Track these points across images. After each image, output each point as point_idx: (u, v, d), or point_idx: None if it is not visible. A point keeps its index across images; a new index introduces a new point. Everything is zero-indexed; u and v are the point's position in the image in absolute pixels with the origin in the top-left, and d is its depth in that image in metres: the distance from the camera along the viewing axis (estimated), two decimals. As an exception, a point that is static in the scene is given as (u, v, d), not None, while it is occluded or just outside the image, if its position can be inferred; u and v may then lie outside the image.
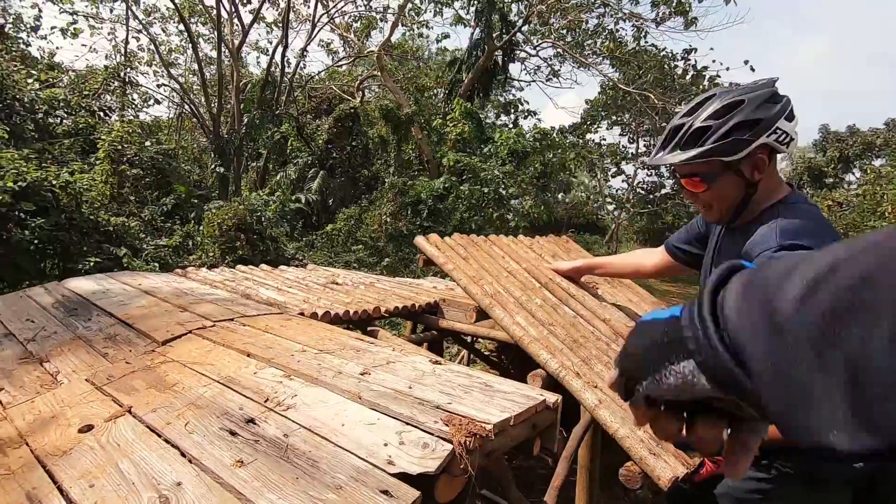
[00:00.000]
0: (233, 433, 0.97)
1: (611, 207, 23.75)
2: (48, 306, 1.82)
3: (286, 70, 13.98)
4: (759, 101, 1.09)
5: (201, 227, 7.81)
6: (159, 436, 0.99)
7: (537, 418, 1.13)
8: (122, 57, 13.36)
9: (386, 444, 0.91)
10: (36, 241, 5.01)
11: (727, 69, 12.85)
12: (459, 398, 1.09)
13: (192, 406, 1.08)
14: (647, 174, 21.40)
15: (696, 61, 13.27)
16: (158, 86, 15.99)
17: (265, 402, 1.08)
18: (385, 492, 0.79)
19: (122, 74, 11.36)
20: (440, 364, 1.35)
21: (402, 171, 12.86)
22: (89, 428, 1.03)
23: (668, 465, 1.08)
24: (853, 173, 24.38)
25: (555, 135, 16.85)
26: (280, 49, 13.28)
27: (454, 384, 1.19)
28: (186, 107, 15.15)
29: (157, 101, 15.66)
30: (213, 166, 11.99)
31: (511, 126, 17.43)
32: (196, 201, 10.10)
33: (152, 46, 14.19)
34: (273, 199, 10.01)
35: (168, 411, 1.07)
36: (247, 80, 14.84)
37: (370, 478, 0.83)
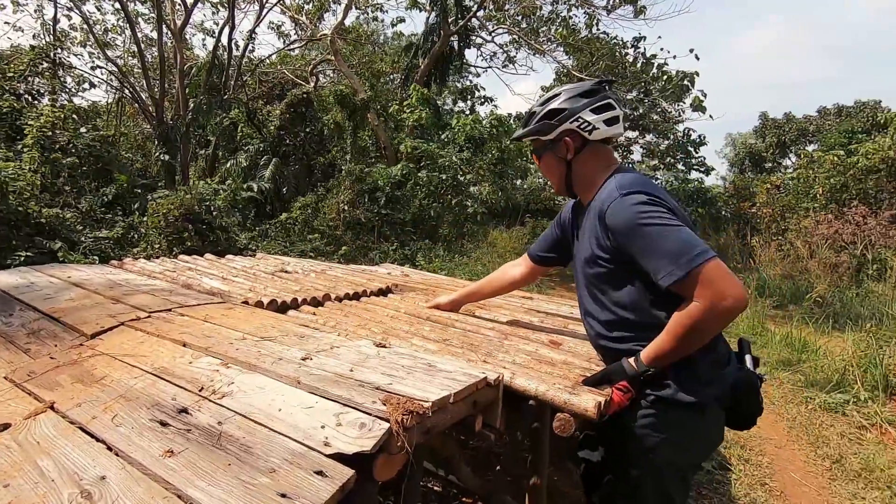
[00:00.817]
0: (164, 424, 0.94)
1: (567, 193, 24.25)
2: (-37, 303, 1.69)
3: (234, 53, 13.38)
4: (570, 95, 1.35)
5: (146, 218, 7.44)
6: (84, 431, 0.95)
7: (478, 395, 1.15)
8: (52, 36, 12.40)
9: (323, 427, 0.91)
10: (-44, 236, 4.64)
11: (674, 57, 13.34)
12: (401, 379, 1.10)
13: (121, 399, 1.04)
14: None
15: (645, 49, 13.66)
16: (93, 68, 14.97)
17: (200, 391, 1.05)
18: (319, 472, 0.79)
19: (51, 55, 10.55)
20: (385, 347, 1.35)
21: (358, 159, 12.64)
22: (5, 427, 0.97)
23: (589, 398, 1.17)
24: (789, 158, 25.87)
25: (511, 121, 17.01)
26: (227, 31, 12.68)
27: (398, 366, 1.20)
28: (126, 91, 14.27)
29: (93, 85, 14.67)
30: (157, 154, 11.40)
31: (468, 112, 17.43)
32: (140, 191, 9.59)
33: (85, 25, 13.23)
34: (223, 187, 9.64)
35: (94, 405, 1.02)
36: (192, 64, 14.11)
37: (305, 460, 0.83)
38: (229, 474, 0.80)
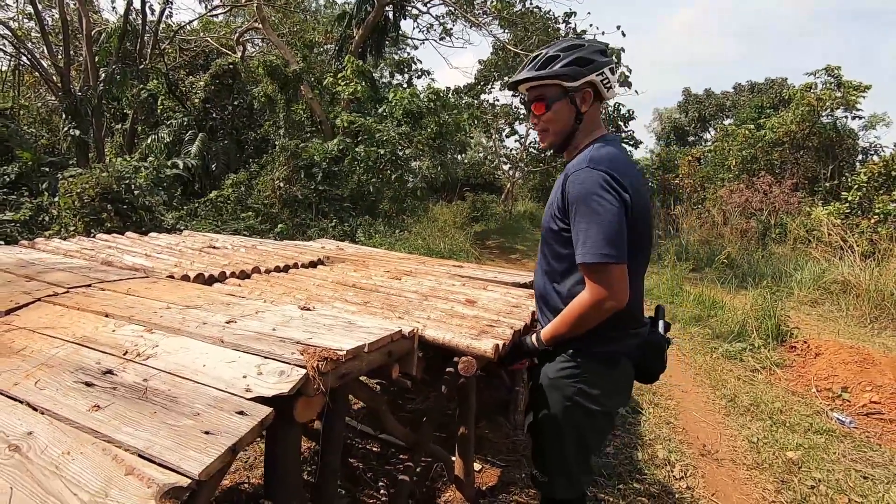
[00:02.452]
0: (88, 384, 1.00)
1: (506, 167, 24.72)
2: None
3: (149, 18, 12.36)
4: (595, 49, 1.40)
5: (57, 199, 6.89)
6: (6, 396, 0.98)
7: (393, 346, 1.28)
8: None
9: (245, 377, 1.00)
10: None
11: (602, 33, 13.75)
12: (321, 334, 1.20)
13: (43, 366, 1.08)
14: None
15: (575, 25, 14.01)
16: (-19, 31, 13.30)
17: (124, 354, 1.11)
18: (240, 412, 0.89)
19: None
20: (309, 310, 1.44)
21: (293, 133, 12.21)
22: (-79, 398, 0.99)
23: (489, 342, 1.35)
24: (709, 132, 27.57)
25: (450, 95, 16.96)
26: (138, -8, 11.66)
27: (319, 324, 1.30)
28: (24, 58, 12.84)
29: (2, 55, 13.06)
30: (66, 129, 10.44)
31: (406, 86, 17.20)
32: (48, 170, 8.80)
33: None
34: (145, 164, 9.04)
35: (15, 374, 1.05)
36: (100, 29, 12.89)
37: (227, 404, 0.92)
38: (155, 420, 0.88)
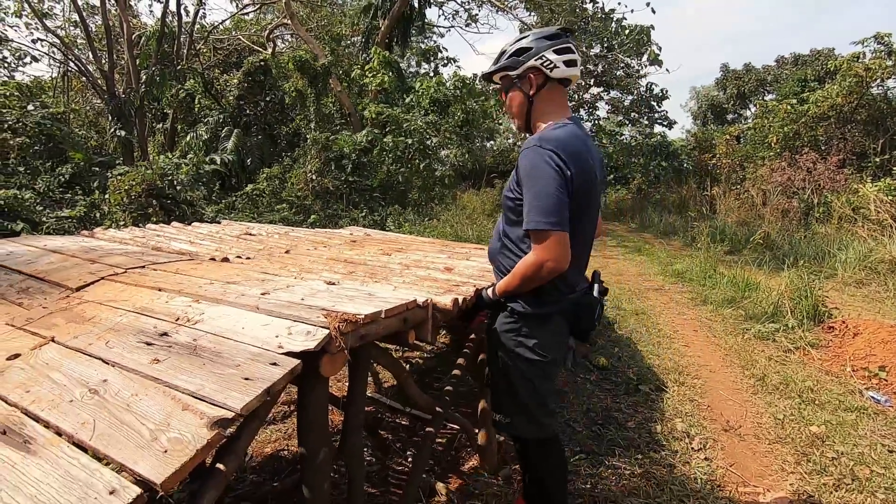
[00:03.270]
0: (149, 343, 1.18)
1: (536, 153, 24.37)
2: (-50, 271, 1.84)
3: (185, 20, 12.85)
4: (537, 37, 1.55)
5: (107, 196, 7.37)
6: (83, 353, 1.17)
7: (408, 314, 1.41)
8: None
9: (277, 336, 1.16)
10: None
11: (632, 11, 13.41)
12: (343, 303, 1.35)
13: (111, 331, 1.26)
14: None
15: (603, 4, 13.68)
16: (34, 41, 14.14)
17: (176, 320, 1.28)
18: (274, 363, 1.05)
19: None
20: (335, 284, 1.60)
21: (323, 126, 12.51)
22: (16, 356, 1.19)
23: (448, 297, 1.57)
24: (749, 108, 26.39)
25: (477, 82, 16.89)
26: (174, -5, 12.13)
27: (342, 296, 1.45)
28: (72, 64, 13.59)
29: (35, 59, 13.89)
30: (112, 130, 11.06)
31: (432, 74, 17.23)
32: (98, 169, 9.38)
33: (19, -6, 12.43)
34: (185, 161, 9.51)
35: (88, 337, 1.25)
36: (140, 32, 13.49)
37: (263, 357, 1.08)
38: (205, 370, 1.04)
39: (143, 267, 1.78)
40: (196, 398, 0.95)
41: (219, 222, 7.46)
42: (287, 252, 2.34)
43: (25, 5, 12.22)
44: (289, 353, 1.09)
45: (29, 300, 1.53)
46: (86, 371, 1.09)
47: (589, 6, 13.84)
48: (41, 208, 6.27)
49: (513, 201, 1.55)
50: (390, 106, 12.16)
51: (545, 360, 1.58)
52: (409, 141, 11.17)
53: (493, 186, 18.22)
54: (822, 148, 12.83)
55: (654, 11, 11.74)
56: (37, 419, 0.96)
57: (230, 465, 1.04)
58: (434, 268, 2.04)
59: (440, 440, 2.78)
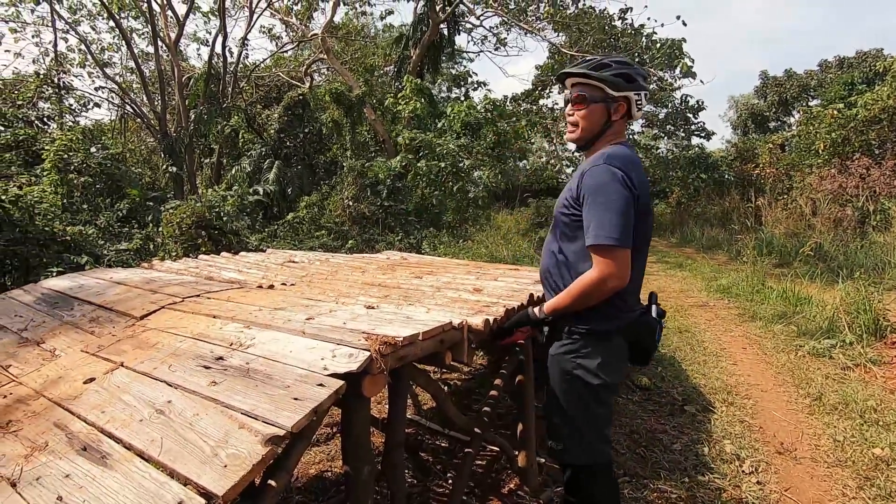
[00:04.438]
0: (206, 367, 1.28)
1: (569, 171, 24.30)
2: (31, 303, 2.04)
3: (229, 61, 13.69)
4: (640, 73, 1.62)
5: (160, 229, 7.84)
6: (149, 376, 1.28)
7: (445, 336, 1.47)
8: (53, 60, 12.79)
9: (322, 359, 1.23)
10: (-7, 257, 5.05)
11: (661, 25, 13.33)
12: (383, 326, 1.42)
13: (172, 355, 1.38)
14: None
15: (632, 20, 13.67)
16: (97, 88, 15.36)
17: (230, 345, 1.38)
18: (320, 384, 1.12)
19: (55, 79, 10.94)
20: (374, 308, 1.67)
21: (359, 154, 12.92)
22: (92, 380, 1.32)
23: (480, 318, 1.59)
24: (793, 115, 25.41)
25: (507, 104, 17.07)
26: (220, 39, 12.98)
27: (382, 319, 1.52)
28: (128, 107, 14.67)
29: (97, 105, 15.07)
30: (164, 167, 11.80)
31: (463, 99, 17.55)
32: (151, 204, 10.01)
33: (82, 46, 13.60)
34: (230, 193, 10.01)
35: (153, 361, 1.36)
36: (189, 75, 14.45)
37: (310, 378, 1.15)
38: (257, 391, 1.13)
39: (198, 296, 1.91)
40: (250, 417, 1.03)
41: (263, 251, 7.79)
42: (326, 279, 2.45)
43: (88, 56, 13.33)
44: (333, 375, 1.16)
45: (99, 328, 1.68)
46: (152, 393, 1.20)
47: (618, 23, 13.85)
48: (102, 242, 6.73)
49: (569, 217, 1.57)
50: (423, 131, 12.45)
51: (604, 384, 1.56)
52: (442, 164, 11.38)
53: (526, 206, 18.18)
54: (876, 152, 12.19)
55: (685, 24, 11.62)
56: (111, 437, 1.06)
57: (280, 482, 1.10)
58: (464, 289, 2.09)
59: (480, 462, 2.78)
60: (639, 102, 1.59)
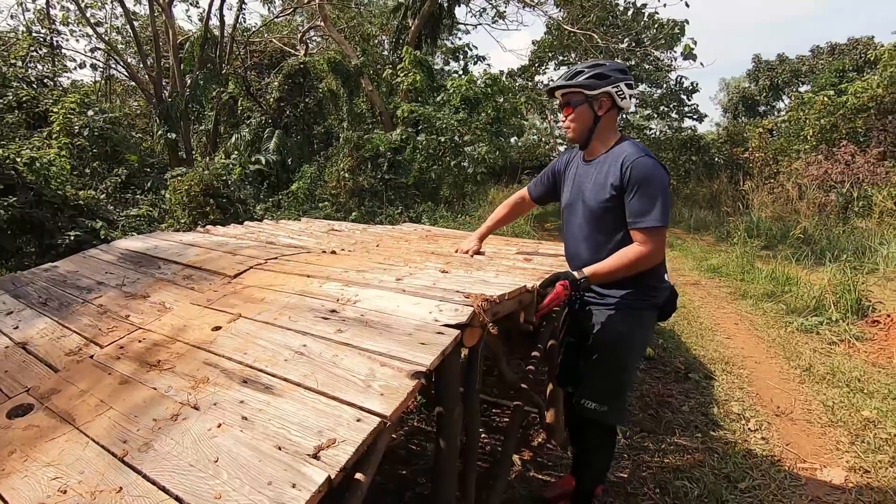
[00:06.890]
0: (325, 318, 1.45)
1: (562, 149, 24.38)
2: (115, 262, 2.16)
3: (226, 24, 13.32)
4: (615, 68, 1.81)
5: (165, 195, 7.83)
6: (274, 325, 1.45)
7: (521, 297, 1.66)
8: (47, 19, 12.29)
9: (430, 313, 1.41)
10: (9, 220, 5.07)
11: (664, 5, 13.33)
12: (470, 286, 1.60)
13: (285, 309, 1.54)
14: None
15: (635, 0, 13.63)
16: (92, 50, 14.82)
17: (337, 301, 1.55)
18: (439, 332, 1.30)
19: (48, 39, 10.59)
20: (447, 273, 1.85)
21: (355, 126, 12.84)
22: (218, 328, 1.48)
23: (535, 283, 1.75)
24: (783, 101, 25.70)
25: (504, 79, 16.98)
26: (217, 1, 12.61)
27: (462, 281, 1.70)
28: (119, 69, 14.25)
29: (94, 67, 14.57)
30: (160, 132, 11.61)
31: (461, 72, 17.39)
32: (149, 170, 9.90)
33: (72, 5, 13.08)
34: (232, 161, 9.96)
35: (269, 314, 1.53)
36: (185, 38, 14.05)
37: (427, 328, 1.33)
38: (384, 337, 1.31)
39: (276, 259, 2.06)
40: (389, 357, 1.21)
41: (275, 220, 7.83)
42: (378, 246, 2.62)
43: (81, 16, 12.83)
44: (444, 326, 1.34)
45: (197, 285, 1.82)
46: (283, 339, 1.37)
47: (620, 1, 13.81)
48: (112, 207, 6.73)
49: (612, 205, 1.75)
50: (422, 104, 12.40)
51: (644, 351, 1.85)
52: (441, 139, 11.40)
53: (521, 182, 18.31)
54: (862, 140, 12.55)
55: (688, 5, 11.67)
56: (265, 373, 1.23)
57: (368, 475, 1.05)
58: (514, 258, 2.28)
59: (505, 420, 3.02)
60: (619, 93, 1.79)
